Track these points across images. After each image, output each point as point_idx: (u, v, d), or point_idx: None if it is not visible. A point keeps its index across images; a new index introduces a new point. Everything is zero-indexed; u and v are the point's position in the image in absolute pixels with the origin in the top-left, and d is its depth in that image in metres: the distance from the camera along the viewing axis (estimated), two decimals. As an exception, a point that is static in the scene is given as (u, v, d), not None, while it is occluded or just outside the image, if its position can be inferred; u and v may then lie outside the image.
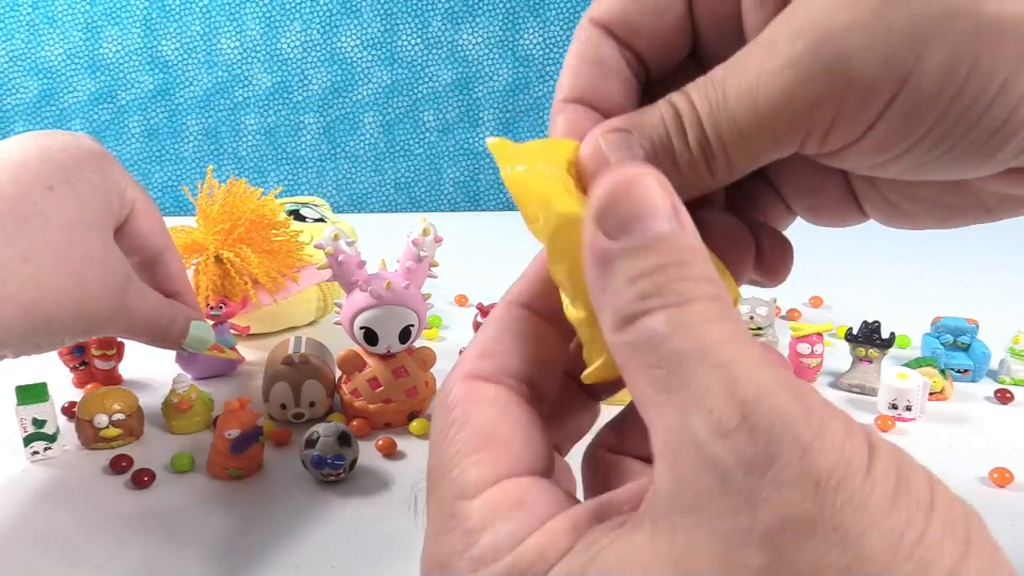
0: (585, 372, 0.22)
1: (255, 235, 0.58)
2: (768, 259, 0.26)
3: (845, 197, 0.26)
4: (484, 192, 1.21)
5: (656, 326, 0.17)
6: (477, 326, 0.56)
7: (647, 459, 0.21)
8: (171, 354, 0.59)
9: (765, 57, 0.20)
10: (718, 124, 0.21)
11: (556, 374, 0.24)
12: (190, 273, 0.58)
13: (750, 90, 0.20)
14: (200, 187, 0.58)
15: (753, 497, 0.15)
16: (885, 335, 0.57)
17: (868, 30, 0.19)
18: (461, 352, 0.57)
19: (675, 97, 0.22)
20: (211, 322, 0.57)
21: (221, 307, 0.58)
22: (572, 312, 0.22)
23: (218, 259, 0.57)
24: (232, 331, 0.61)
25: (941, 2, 0.19)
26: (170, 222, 0.64)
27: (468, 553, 0.19)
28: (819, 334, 0.59)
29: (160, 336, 0.45)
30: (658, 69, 0.25)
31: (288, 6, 1.10)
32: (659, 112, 0.22)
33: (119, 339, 0.57)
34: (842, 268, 0.82)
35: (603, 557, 0.17)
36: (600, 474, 0.24)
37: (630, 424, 0.24)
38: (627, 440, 0.24)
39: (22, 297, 0.35)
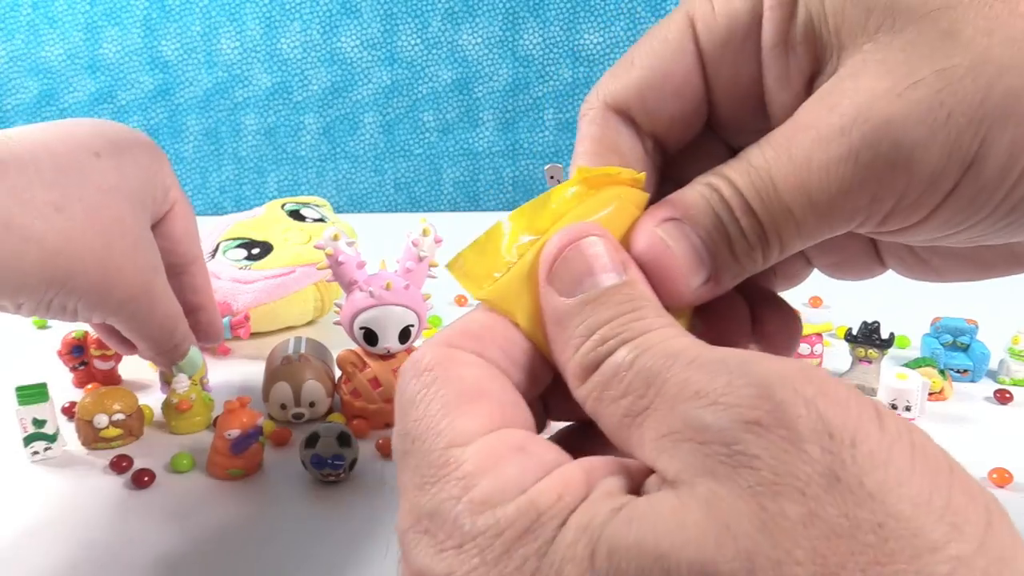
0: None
1: None
2: (770, 334, 0.25)
3: (868, 252, 0.25)
4: (484, 192, 1.21)
5: (617, 359, 0.17)
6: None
7: None
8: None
9: (814, 147, 0.19)
10: (772, 213, 0.20)
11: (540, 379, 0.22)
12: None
13: (802, 183, 0.20)
14: None
15: (767, 454, 0.15)
16: (884, 335, 0.57)
17: (928, 120, 0.18)
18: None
19: (716, 182, 0.21)
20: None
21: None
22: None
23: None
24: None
25: (999, 85, 0.18)
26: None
27: (467, 496, 0.17)
28: (818, 334, 0.59)
29: (168, 344, 0.44)
30: (673, 147, 0.25)
31: (288, 6, 1.10)
32: (703, 198, 0.21)
33: (121, 338, 0.57)
34: (842, 268, 0.82)
35: (630, 510, 0.16)
36: None
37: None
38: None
39: (47, 242, 0.35)
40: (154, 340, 0.44)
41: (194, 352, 0.48)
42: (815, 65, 0.21)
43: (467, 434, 0.18)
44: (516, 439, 0.18)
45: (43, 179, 0.35)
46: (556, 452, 0.18)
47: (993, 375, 0.61)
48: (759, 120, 0.23)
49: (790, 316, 0.25)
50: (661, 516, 0.15)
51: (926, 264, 0.24)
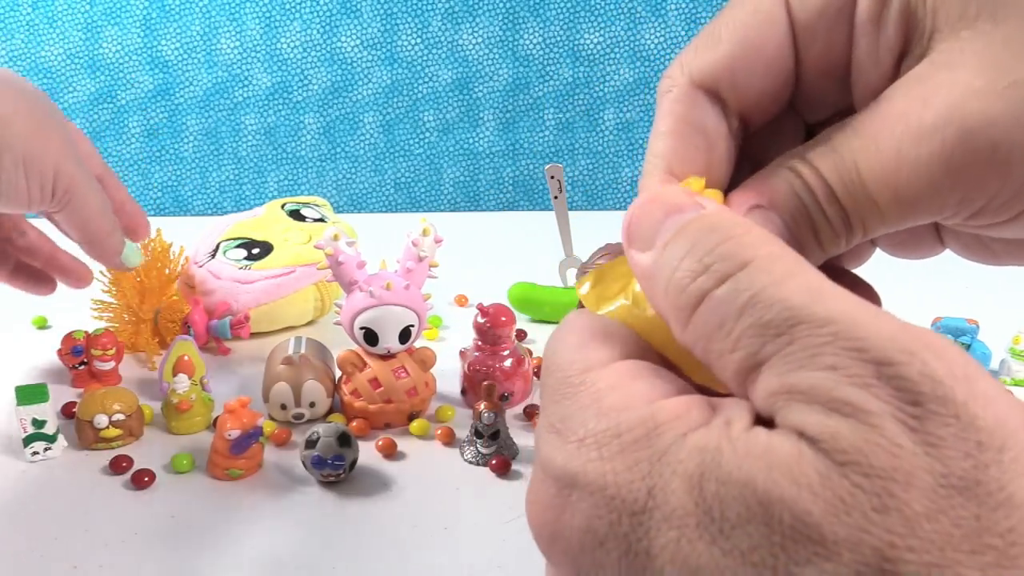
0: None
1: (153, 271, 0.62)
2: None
3: (931, 233, 0.25)
4: (484, 192, 1.21)
5: (720, 298, 0.17)
6: (477, 326, 0.56)
7: None
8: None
9: (904, 141, 0.19)
10: (857, 202, 0.20)
11: None
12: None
13: (889, 176, 0.19)
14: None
15: (908, 446, 0.14)
16: (885, 335, 0.57)
17: None
18: (461, 352, 0.57)
19: (800, 167, 0.21)
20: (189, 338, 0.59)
21: (188, 328, 0.62)
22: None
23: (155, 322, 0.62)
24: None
25: None
26: (171, 222, 0.64)
27: (596, 404, 0.18)
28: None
29: (106, 229, 0.49)
30: (756, 124, 0.24)
31: (288, 6, 1.10)
32: (787, 184, 0.21)
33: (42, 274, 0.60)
34: (842, 268, 0.81)
35: (749, 444, 0.15)
36: None
37: None
38: None
39: None
40: (96, 225, 0.48)
41: (130, 249, 0.52)
42: (905, 44, 0.20)
43: (602, 360, 0.19)
44: (648, 368, 0.19)
45: None
46: (684, 385, 0.18)
47: (994, 375, 0.60)
48: (841, 96, 0.23)
49: (869, 291, 0.24)
50: (778, 460, 0.15)
51: (987, 248, 0.24)
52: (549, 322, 0.71)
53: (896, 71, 0.21)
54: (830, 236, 0.21)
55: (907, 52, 0.20)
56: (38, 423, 0.48)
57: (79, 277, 0.58)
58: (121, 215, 0.53)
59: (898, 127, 0.19)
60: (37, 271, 0.57)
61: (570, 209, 0.71)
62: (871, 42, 0.21)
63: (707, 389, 0.19)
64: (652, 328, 0.20)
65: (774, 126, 0.24)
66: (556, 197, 0.70)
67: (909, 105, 0.19)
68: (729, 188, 0.24)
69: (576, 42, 1.14)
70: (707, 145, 0.22)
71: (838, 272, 0.24)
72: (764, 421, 0.16)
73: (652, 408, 0.17)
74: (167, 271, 0.62)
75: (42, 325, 0.70)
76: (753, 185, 0.21)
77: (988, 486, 0.14)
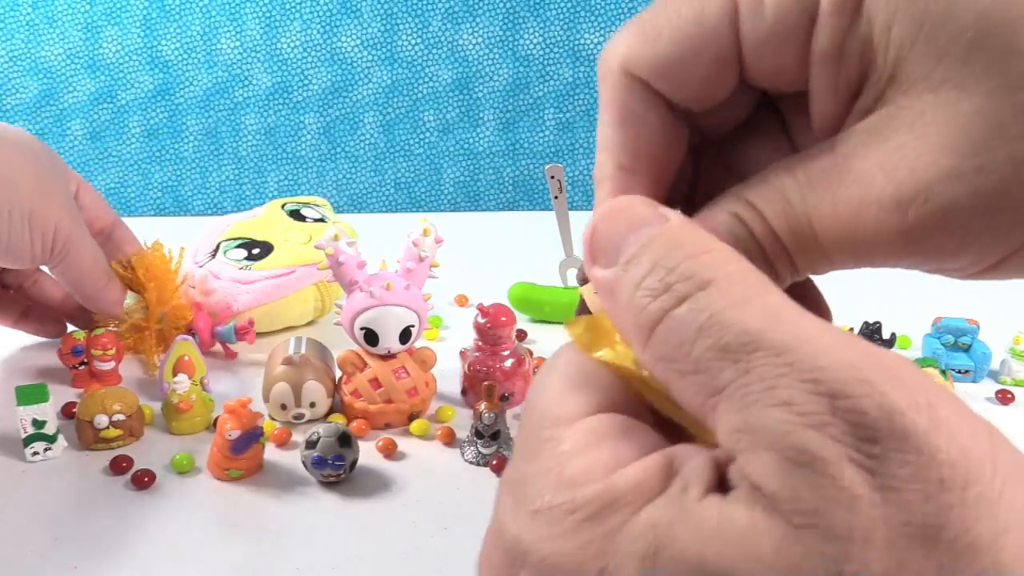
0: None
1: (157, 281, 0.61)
2: None
3: None
4: (484, 192, 1.21)
5: (679, 323, 0.16)
6: (477, 326, 0.56)
7: None
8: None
9: (863, 210, 0.18)
10: (805, 251, 0.19)
11: None
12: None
13: (845, 236, 0.19)
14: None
15: (863, 498, 0.14)
16: (886, 335, 0.57)
17: (995, 205, 0.17)
18: (461, 352, 0.57)
19: (743, 213, 0.20)
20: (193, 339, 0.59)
21: (193, 334, 0.60)
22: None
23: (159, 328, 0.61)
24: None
25: None
26: (171, 222, 0.64)
27: (556, 472, 0.17)
28: (820, 334, 0.59)
29: (102, 284, 0.53)
30: (700, 109, 0.22)
31: (288, 6, 1.10)
32: (727, 227, 0.20)
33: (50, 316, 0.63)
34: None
35: (700, 516, 0.15)
36: None
37: None
38: None
39: None
40: (91, 274, 0.52)
41: (132, 298, 0.58)
42: (864, 76, 0.19)
43: (572, 415, 0.19)
44: (617, 424, 0.18)
45: None
46: (654, 439, 0.18)
47: (995, 375, 0.60)
48: (795, 80, 0.22)
49: (818, 301, 0.23)
50: (731, 535, 0.15)
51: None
52: (549, 322, 0.71)
53: (855, 98, 0.20)
54: (770, 277, 0.20)
55: (861, 91, 0.20)
56: (38, 423, 0.48)
57: (86, 322, 0.61)
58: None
59: (857, 192, 0.18)
60: (45, 314, 0.62)
61: (570, 209, 0.71)
62: (829, 75, 0.20)
63: (685, 431, 0.19)
64: (635, 377, 0.20)
65: (731, 100, 0.23)
66: (556, 197, 0.70)
67: (869, 169, 0.18)
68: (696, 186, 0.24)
69: (576, 42, 1.14)
70: (648, 133, 0.22)
71: (802, 286, 0.24)
72: (723, 474, 0.16)
73: (610, 481, 0.17)
74: (172, 276, 0.62)
75: (42, 325, 0.70)
76: (697, 222, 0.20)
77: (952, 530, 0.13)
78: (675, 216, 0.18)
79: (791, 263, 0.20)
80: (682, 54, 0.21)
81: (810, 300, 0.23)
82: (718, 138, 0.24)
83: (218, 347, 0.63)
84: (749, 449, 0.15)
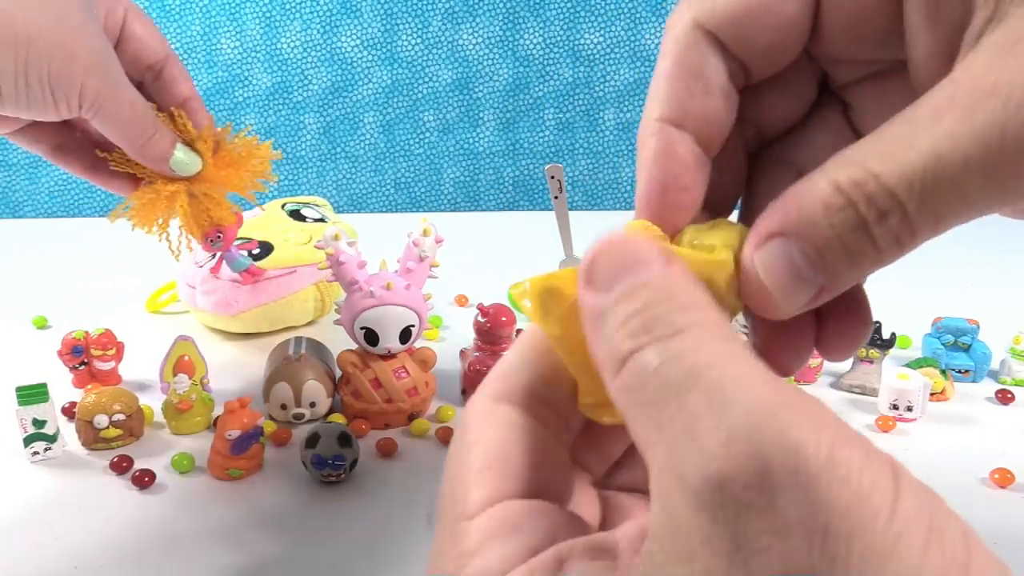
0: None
1: (217, 157, 0.52)
2: (831, 335, 0.22)
3: None
4: (484, 192, 1.21)
5: (645, 361, 0.16)
6: (477, 326, 0.56)
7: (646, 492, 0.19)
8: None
9: (1008, 112, 0.16)
10: (935, 201, 0.17)
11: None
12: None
13: (989, 155, 0.16)
14: None
15: (748, 544, 0.13)
16: (886, 335, 0.57)
17: None
18: (461, 352, 0.57)
19: (846, 177, 0.18)
20: (217, 253, 0.56)
21: (219, 236, 0.54)
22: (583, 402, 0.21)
23: (191, 196, 0.52)
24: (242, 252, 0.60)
25: None
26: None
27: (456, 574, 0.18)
28: (820, 334, 0.59)
29: (144, 139, 0.46)
30: (760, 76, 0.22)
31: (288, 6, 1.10)
32: (820, 203, 0.18)
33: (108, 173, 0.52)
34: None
35: None
36: (600, 511, 0.22)
37: (626, 458, 0.23)
38: (624, 474, 0.23)
39: (2, 6, 0.38)
40: (132, 131, 0.45)
41: (183, 152, 0.48)
42: (967, 3, 0.18)
43: (476, 505, 0.19)
44: (516, 516, 0.19)
45: None
46: (552, 528, 0.18)
47: (995, 375, 0.60)
48: (872, 49, 0.21)
49: (859, 320, 0.22)
50: None
51: None
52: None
53: (958, 39, 0.18)
54: (872, 258, 0.18)
55: (970, 15, 0.18)
56: (38, 423, 0.48)
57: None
58: (186, 109, 0.49)
59: (997, 98, 0.16)
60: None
61: (570, 209, 0.71)
62: (930, 4, 0.19)
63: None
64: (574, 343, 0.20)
65: (786, 75, 0.22)
66: (556, 197, 0.70)
67: (1005, 74, 0.17)
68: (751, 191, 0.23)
69: (576, 42, 1.14)
70: (704, 89, 0.21)
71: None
72: (614, 550, 0.17)
73: None
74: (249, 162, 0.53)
75: (42, 325, 0.70)
76: (779, 207, 0.19)
77: None
78: (675, 263, 0.18)
79: (908, 223, 0.17)
80: (755, 3, 0.20)
81: (853, 303, 0.22)
82: (776, 137, 0.24)
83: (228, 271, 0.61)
84: (665, 491, 0.15)
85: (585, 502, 0.22)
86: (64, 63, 0.41)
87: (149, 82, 0.48)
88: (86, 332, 0.58)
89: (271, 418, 0.54)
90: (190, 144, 0.49)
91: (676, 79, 0.21)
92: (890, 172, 0.17)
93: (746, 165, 0.24)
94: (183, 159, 0.48)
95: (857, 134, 0.22)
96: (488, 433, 0.20)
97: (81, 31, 0.42)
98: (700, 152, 0.22)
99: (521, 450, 0.20)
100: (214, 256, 0.59)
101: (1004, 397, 0.57)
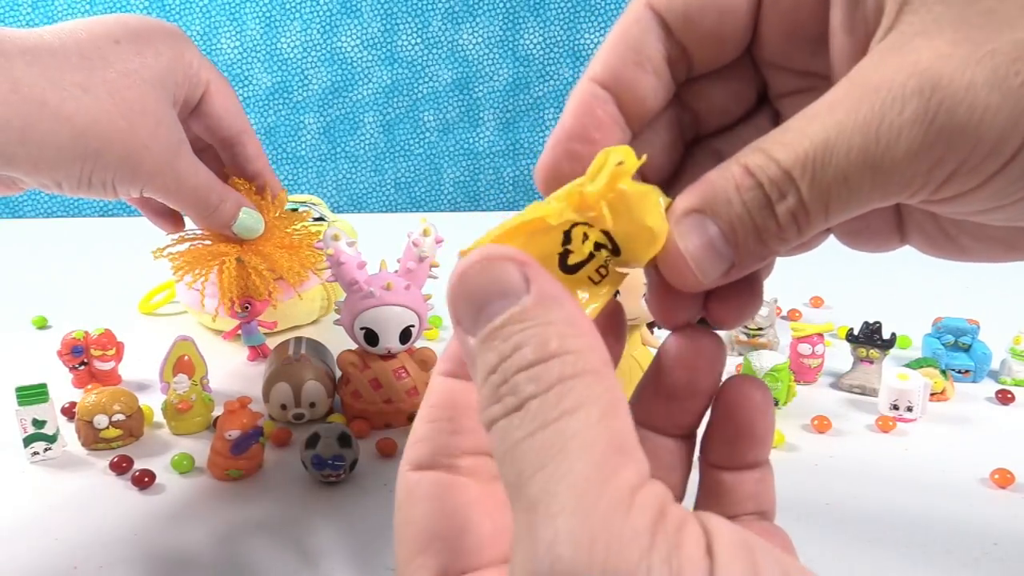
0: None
1: (275, 233, 0.54)
2: (720, 307, 0.23)
3: (891, 224, 0.25)
4: (484, 192, 1.21)
5: (495, 440, 0.17)
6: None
7: None
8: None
9: (887, 109, 0.19)
10: (823, 185, 0.19)
11: None
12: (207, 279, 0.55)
13: (868, 146, 0.19)
14: None
15: None
16: (886, 335, 0.57)
17: (1002, 88, 0.18)
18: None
19: (753, 161, 0.20)
20: (237, 320, 0.58)
21: (247, 307, 0.59)
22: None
23: (239, 261, 0.53)
24: (260, 328, 0.63)
25: None
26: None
27: None
28: (820, 334, 0.59)
29: (208, 212, 0.47)
30: (701, 67, 0.24)
31: (288, 6, 1.10)
32: (733, 183, 0.20)
33: (164, 211, 0.52)
34: (843, 268, 0.82)
35: None
36: None
37: None
38: None
39: (76, 120, 0.39)
40: (195, 208, 0.46)
41: (247, 215, 0.49)
42: (880, 9, 0.20)
43: None
44: None
45: (70, 63, 0.39)
46: None
47: (995, 375, 0.60)
48: (805, 58, 0.23)
49: (750, 292, 0.23)
50: None
51: (953, 242, 0.23)
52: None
53: (866, 46, 0.21)
54: (776, 235, 0.20)
55: (878, 25, 0.20)
56: (38, 423, 0.48)
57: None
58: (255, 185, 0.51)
59: (880, 95, 0.19)
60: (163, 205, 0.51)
61: (570, 209, 0.71)
62: (848, 13, 0.21)
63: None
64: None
65: (725, 77, 0.24)
66: (556, 197, 0.70)
67: (890, 75, 0.19)
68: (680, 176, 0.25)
69: (576, 42, 1.14)
70: (637, 62, 0.23)
71: None
72: None
73: None
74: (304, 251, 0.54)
75: (42, 325, 0.70)
76: (698, 187, 0.21)
77: None
78: (535, 283, 0.18)
79: (804, 212, 0.20)
80: None
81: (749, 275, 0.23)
82: (712, 132, 0.25)
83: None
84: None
85: None
86: (129, 172, 0.42)
87: (219, 153, 0.50)
88: (86, 332, 0.58)
89: (271, 418, 0.54)
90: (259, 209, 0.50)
91: (614, 47, 0.23)
92: (787, 156, 0.19)
93: (681, 153, 0.25)
94: (248, 223, 0.49)
95: None
96: (415, 512, 0.21)
97: (152, 134, 0.42)
98: (619, 117, 0.23)
99: (448, 522, 0.21)
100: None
101: (1004, 397, 0.57)
